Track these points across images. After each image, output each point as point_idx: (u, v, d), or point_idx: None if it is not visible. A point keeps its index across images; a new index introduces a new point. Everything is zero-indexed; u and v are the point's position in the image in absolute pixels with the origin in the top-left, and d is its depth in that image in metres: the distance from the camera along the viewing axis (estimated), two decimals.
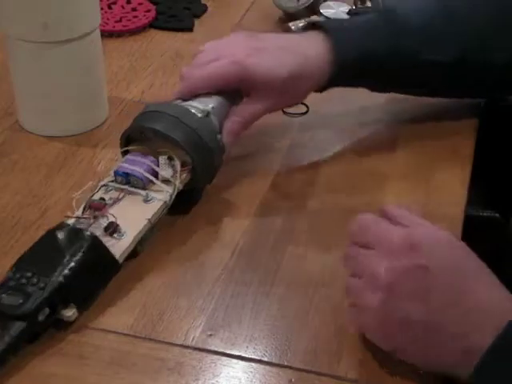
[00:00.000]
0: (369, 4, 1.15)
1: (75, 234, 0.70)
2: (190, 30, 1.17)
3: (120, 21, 1.16)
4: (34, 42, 0.88)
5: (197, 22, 1.19)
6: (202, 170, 0.79)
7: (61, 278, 0.67)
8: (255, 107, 0.84)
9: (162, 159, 0.77)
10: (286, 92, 0.83)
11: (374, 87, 0.90)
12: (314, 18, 1.15)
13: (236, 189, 0.86)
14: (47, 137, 0.94)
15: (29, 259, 0.69)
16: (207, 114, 0.80)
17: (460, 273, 0.60)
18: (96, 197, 0.76)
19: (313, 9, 1.17)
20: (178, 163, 0.77)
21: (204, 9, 1.22)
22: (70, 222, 0.73)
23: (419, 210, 0.68)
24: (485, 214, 1.06)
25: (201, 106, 0.81)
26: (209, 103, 0.82)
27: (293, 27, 1.12)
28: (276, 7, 1.19)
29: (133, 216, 0.75)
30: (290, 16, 1.18)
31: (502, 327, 0.57)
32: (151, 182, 0.77)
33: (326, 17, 1.15)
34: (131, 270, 0.76)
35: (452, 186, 0.87)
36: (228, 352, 0.68)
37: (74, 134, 0.94)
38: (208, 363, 0.67)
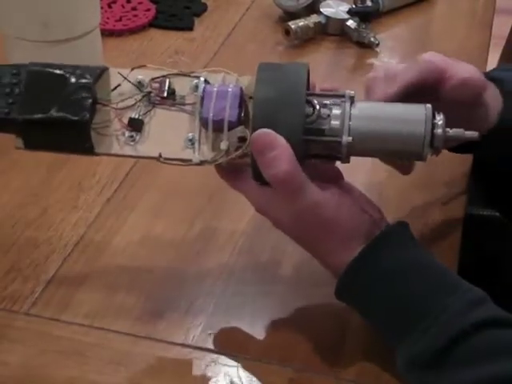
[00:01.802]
0: (369, 3, 1.15)
1: (81, 97, 0.65)
2: (190, 29, 1.17)
3: (120, 20, 1.16)
4: (34, 41, 0.88)
5: (197, 21, 1.19)
6: (256, 172, 0.65)
7: (20, 118, 0.65)
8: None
9: (237, 131, 0.65)
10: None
11: None
12: (314, 17, 1.15)
13: None
14: None
15: (32, 74, 0.66)
16: (334, 142, 0.64)
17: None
18: (177, 82, 0.66)
19: (313, 8, 1.17)
20: (241, 149, 0.64)
21: (204, 8, 1.22)
22: (124, 73, 0.66)
23: None
24: (485, 213, 1.06)
25: (339, 128, 0.64)
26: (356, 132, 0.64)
27: (293, 26, 1.12)
28: (276, 6, 1.19)
29: (164, 135, 0.66)
30: (290, 15, 1.18)
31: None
32: (213, 129, 0.65)
33: (326, 16, 1.15)
34: (131, 269, 0.76)
35: (452, 184, 0.87)
36: (228, 351, 0.68)
37: None
38: (208, 362, 0.67)
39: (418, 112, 0.64)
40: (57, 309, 0.72)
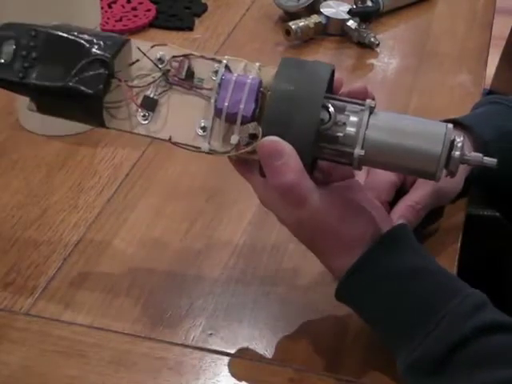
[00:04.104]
0: (369, 4, 1.15)
1: (97, 72, 0.65)
2: (191, 29, 1.17)
3: (120, 20, 1.16)
4: None
5: (197, 21, 1.19)
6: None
7: (34, 83, 0.65)
8: (423, 190, 0.76)
9: (250, 126, 0.63)
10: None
11: None
12: (315, 17, 1.15)
13: (236, 188, 0.86)
14: (47, 136, 0.94)
15: (51, 39, 0.66)
16: (347, 152, 0.63)
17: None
18: (198, 64, 0.65)
19: (313, 8, 1.17)
20: (251, 146, 0.63)
21: (204, 8, 1.22)
22: (143, 47, 0.66)
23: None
24: (485, 213, 1.06)
25: (354, 137, 0.62)
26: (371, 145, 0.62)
27: (293, 26, 1.12)
28: (276, 6, 1.19)
29: (177, 118, 0.65)
30: (291, 15, 1.18)
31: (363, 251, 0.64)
32: (226, 120, 0.64)
33: (327, 16, 1.15)
34: (131, 269, 0.76)
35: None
36: (228, 351, 0.68)
37: (75, 133, 0.94)
38: (208, 362, 0.67)
39: (437, 130, 0.62)
40: (57, 309, 0.72)
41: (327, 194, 0.64)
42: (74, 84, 0.64)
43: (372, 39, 1.13)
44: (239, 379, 0.66)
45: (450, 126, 0.62)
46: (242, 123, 0.63)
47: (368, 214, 0.66)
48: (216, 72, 0.64)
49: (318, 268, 0.75)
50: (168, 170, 0.88)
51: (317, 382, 0.66)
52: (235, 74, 0.64)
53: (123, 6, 1.20)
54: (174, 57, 0.65)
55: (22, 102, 0.94)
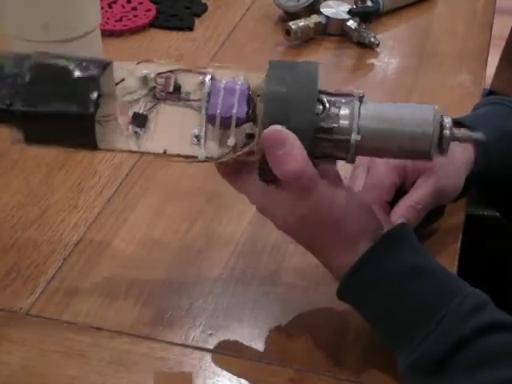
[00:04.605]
0: (369, 4, 1.15)
1: (86, 88, 0.63)
2: (191, 29, 1.17)
3: (120, 20, 1.16)
4: (35, 41, 0.88)
5: (197, 21, 1.19)
6: (264, 171, 0.65)
7: (23, 109, 0.63)
8: (423, 190, 0.76)
9: (245, 127, 0.64)
10: (438, 173, 0.76)
11: None
12: (315, 17, 1.14)
13: None
14: None
15: (35, 67, 0.64)
16: (344, 140, 0.64)
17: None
18: (183, 78, 0.65)
19: (313, 8, 1.17)
20: (249, 146, 0.63)
21: (204, 8, 1.22)
22: (126, 68, 0.65)
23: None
24: (485, 213, 1.05)
25: (348, 126, 0.64)
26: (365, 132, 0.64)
27: (293, 26, 1.12)
28: (276, 6, 1.19)
29: (168, 132, 0.65)
30: (291, 15, 1.18)
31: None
32: (220, 125, 0.64)
33: (327, 16, 1.15)
34: (131, 269, 0.76)
35: None
36: (228, 351, 0.68)
37: None
38: (208, 362, 0.67)
39: (426, 112, 0.65)
40: (57, 309, 0.72)
41: (330, 185, 0.64)
42: (64, 106, 0.63)
43: (372, 39, 1.13)
44: (239, 379, 0.66)
45: (437, 107, 0.65)
46: (237, 125, 0.63)
47: (369, 209, 0.67)
48: (203, 83, 0.65)
49: (318, 268, 0.75)
50: (168, 171, 0.88)
51: (317, 382, 0.66)
52: (223, 82, 0.64)
53: (123, 6, 1.20)
54: (159, 74, 0.65)
55: None
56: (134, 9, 1.19)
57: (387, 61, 1.12)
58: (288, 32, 1.12)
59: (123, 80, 0.65)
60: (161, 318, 0.71)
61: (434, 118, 0.64)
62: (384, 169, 0.74)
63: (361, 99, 0.64)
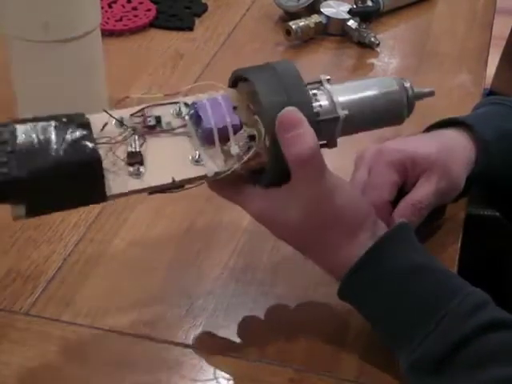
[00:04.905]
0: (370, 3, 1.15)
1: (81, 137, 0.60)
2: (191, 29, 1.17)
3: (120, 20, 1.16)
4: (35, 41, 0.88)
5: (197, 21, 1.19)
6: (275, 167, 0.64)
7: (24, 174, 0.58)
8: (425, 190, 0.75)
9: (244, 132, 0.64)
10: (439, 172, 0.76)
11: None
12: (315, 17, 1.15)
13: None
14: None
15: (19, 131, 0.60)
16: (333, 119, 0.67)
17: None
18: (157, 110, 0.65)
19: (313, 8, 1.17)
20: (254, 148, 0.63)
21: (204, 8, 1.22)
22: (100, 119, 0.63)
23: None
24: (485, 213, 1.06)
25: (331, 106, 0.67)
26: (347, 107, 0.68)
27: (293, 26, 1.12)
28: (276, 6, 1.19)
29: (167, 162, 0.64)
30: (291, 15, 1.18)
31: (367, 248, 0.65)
32: (219, 136, 0.64)
33: (327, 16, 1.15)
34: (131, 269, 0.76)
35: None
36: (228, 351, 0.68)
37: None
38: (208, 362, 0.67)
39: (387, 78, 0.72)
40: (57, 309, 0.72)
41: (331, 172, 0.65)
42: (66, 158, 0.59)
43: (372, 39, 1.13)
44: (239, 379, 0.66)
45: (395, 76, 0.73)
46: (235, 132, 0.64)
47: (364, 200, 0.68)
48: (178, 112, 0.65)
49: (318, 268, 0.75)
50: None
51: (317, 382, 0.66)
52: (204, 99, 0.65)
53: (123, 6, 1.20)
54: (132, 114, 0.64)
55: (22, 101, 0.94)
56: (134, 9, 1.19)
57: (387, 61, 1.12)
58: (288, 32, 1.12)
59: (106, 124, 0.63)
60: (161, 318, 0.71)
61: (398, 82, 0.71)
62: (385, 168, 0.74)
63: (329, 81, 0.68)
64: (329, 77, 0.69)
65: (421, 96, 0.73)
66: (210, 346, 0.69)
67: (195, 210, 0.83)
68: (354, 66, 1.12)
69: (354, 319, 0.69)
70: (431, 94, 0.75)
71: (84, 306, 0.72)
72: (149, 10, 1.19)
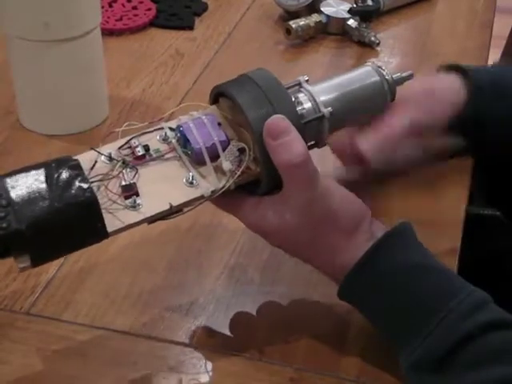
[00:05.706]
0: (370, 3, 1.15)
1: (73, 179, 0.60)
2: (191, 28, 1.17)
3: (120, 19, 1.16)
4: (35, 40, 0.88)
5: (197, 20, 1.19)
6: (269, 177, 0.65)
7: (23, 226, 0.58)
8: (397, 119, 0.76)
9: (232, 146, 0.65)
10: (421, 106, 0.78)
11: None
12: (315, 16, 1.15)
13: None
14: (48, 135, 0.94)
15: (11, 184, 0.60)
16: (318, 118, 0.68)
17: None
18: (143, 139, 0.65)
19: (313, 7, 1.17)
20: (245, 161, 0.64)
21: (204, 7, 1.22)
22: (89, 158, 0.63)
23: None
24: (486, 213, 1.06)
25: (314, 106, 0.68)
26: (330, 105, 0.69)
27: (294, 25, 1.12)
28: (277, 5, 1.19)
29: (162, 189, 0.64)
30: (291, 14, 1.18)
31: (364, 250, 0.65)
32: (209, 156, 0.64)
33: (327, 15, 1.15)
34: (131, 269, 0.76)
35: (453, 184, 0.87)
36: (228, 351, 0.68)
37: (75, 132, 0.94)
38: (208, 362, 0.67)
39: (364, 68, 0.73)
40: (57, 309, 0.72)
41: (323, 176, 0.65)
42: (62, 202, 0.59)
43: (372, 38, 1.13)
44: (239, 379, 0.66)
45: (368, 63, 0.74)
46: (224, 149, 0.64)
47: (356, 198, 0.67)
48: (165, 137, 0.65)
49: None
50: None
51: (317, 381, 0.66)
52: (188, 121, 0.65)
53: (123, 5, 1.20)
54: (119, 148, 0.64)
55: (23, 101, 0.94)
56: (135, 8, 1.19)
57: (387, 60, 1.12)
58: (288, 31, 1.12)
59: (96, 162, 0.63)
60: (161, 317, 0.71)
61: (377, 71, 0.72)
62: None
63: (307, 82, 0.69)
64: (307, 77, 0.69)
65: (401, 81, 0.74)
66: (210, 346, 0.69)
67: (195, 209, 0.83)
68: (354, 66, 1.12)
69: (354, 319, 0.70)
70: (410, 76, 0.75)
71: (84, 305, 0.72)
72: (149, 9, 1.19)
